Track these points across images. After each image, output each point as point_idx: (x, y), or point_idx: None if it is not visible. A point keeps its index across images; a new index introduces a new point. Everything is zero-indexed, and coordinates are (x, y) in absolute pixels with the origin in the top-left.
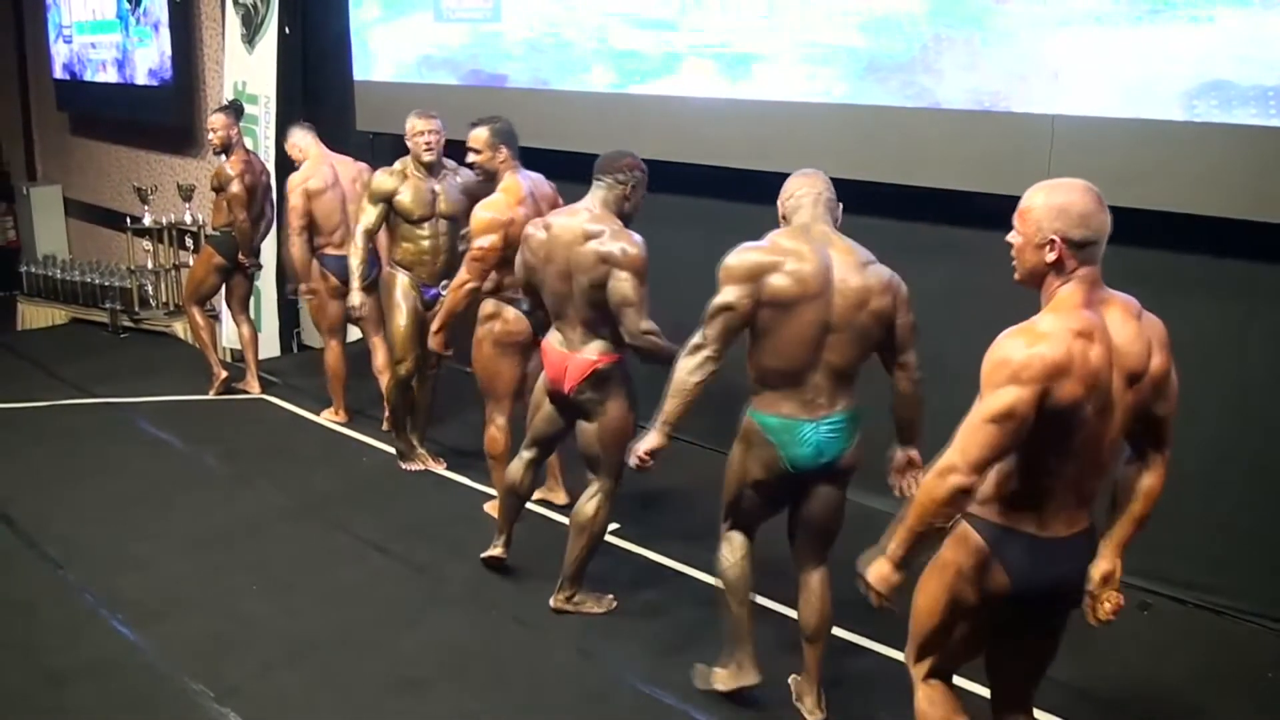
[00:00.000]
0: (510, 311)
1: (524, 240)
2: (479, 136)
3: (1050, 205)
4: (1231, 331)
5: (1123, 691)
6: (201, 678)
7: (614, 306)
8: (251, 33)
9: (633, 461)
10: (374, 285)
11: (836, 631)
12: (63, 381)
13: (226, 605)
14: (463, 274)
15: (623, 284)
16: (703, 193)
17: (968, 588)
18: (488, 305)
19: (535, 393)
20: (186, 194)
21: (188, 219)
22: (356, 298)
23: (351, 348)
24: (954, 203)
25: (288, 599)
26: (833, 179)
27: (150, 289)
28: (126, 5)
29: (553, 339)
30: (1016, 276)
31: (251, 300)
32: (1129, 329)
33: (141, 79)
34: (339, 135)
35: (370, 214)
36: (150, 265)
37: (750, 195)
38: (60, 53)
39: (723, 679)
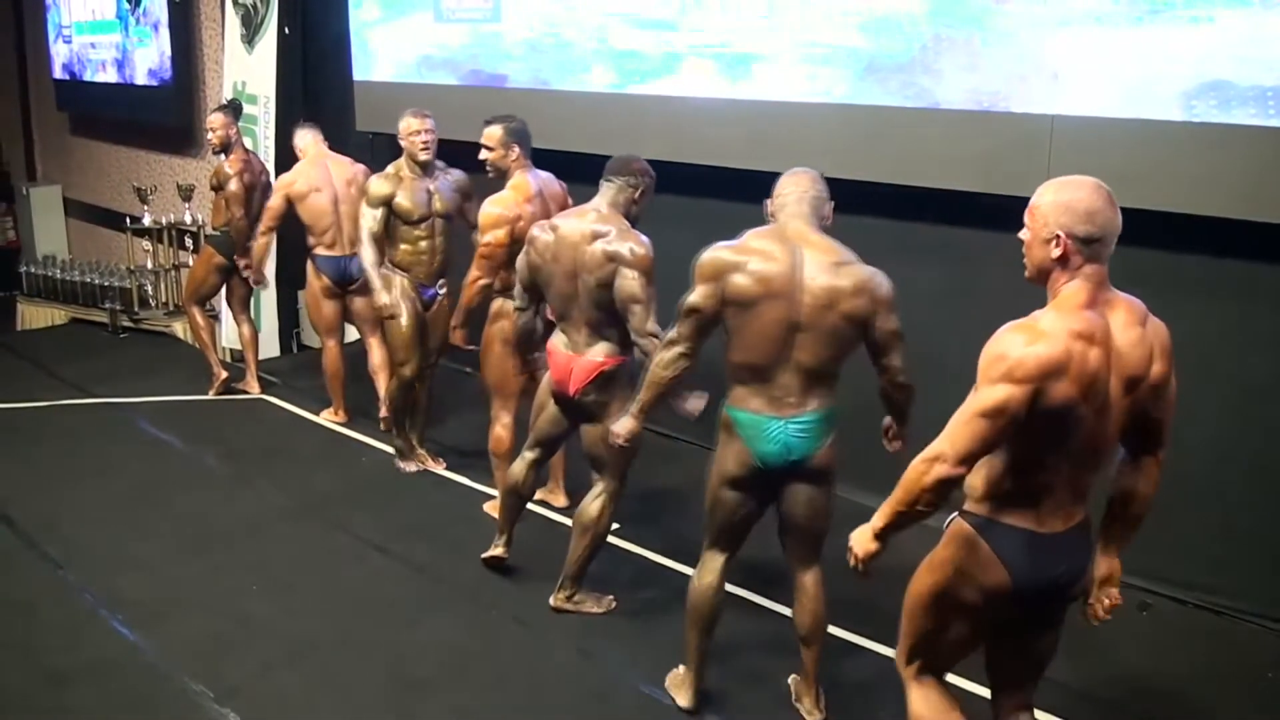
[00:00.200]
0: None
1: (529, 241)
2: (493, 134)
3: (1058, 202)
4: (1231, 331)
5: (1123, 691)
6: (201, 678)
7: (621, 304)
8: (251, 33)
9: (612, 442)
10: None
11: (836, 632)
12: (63, 381)
13: (226, 605)
14: (473, 270)
15: (630, 282)
16: (703, 193)
17: (967, 587)
18: (497, 304)
19: (539, 393)
20: (186, 194)
21: (187, 219)
22: (385, 296)
23: (351, 348)
24: (954, 203)
25: (288, 599)
26: (833, 179)
27: (150, 289)
28: (126, 5)
29: (557, 341)
30: (1026, 274)
31: (251, 300)
32: (1132, 334)
33: (141, 79)
34: (339, 135)
35: (372, 218)
36: (150, 265)
37: (750, 195)
38: (60, 53)
39: (673, 683)
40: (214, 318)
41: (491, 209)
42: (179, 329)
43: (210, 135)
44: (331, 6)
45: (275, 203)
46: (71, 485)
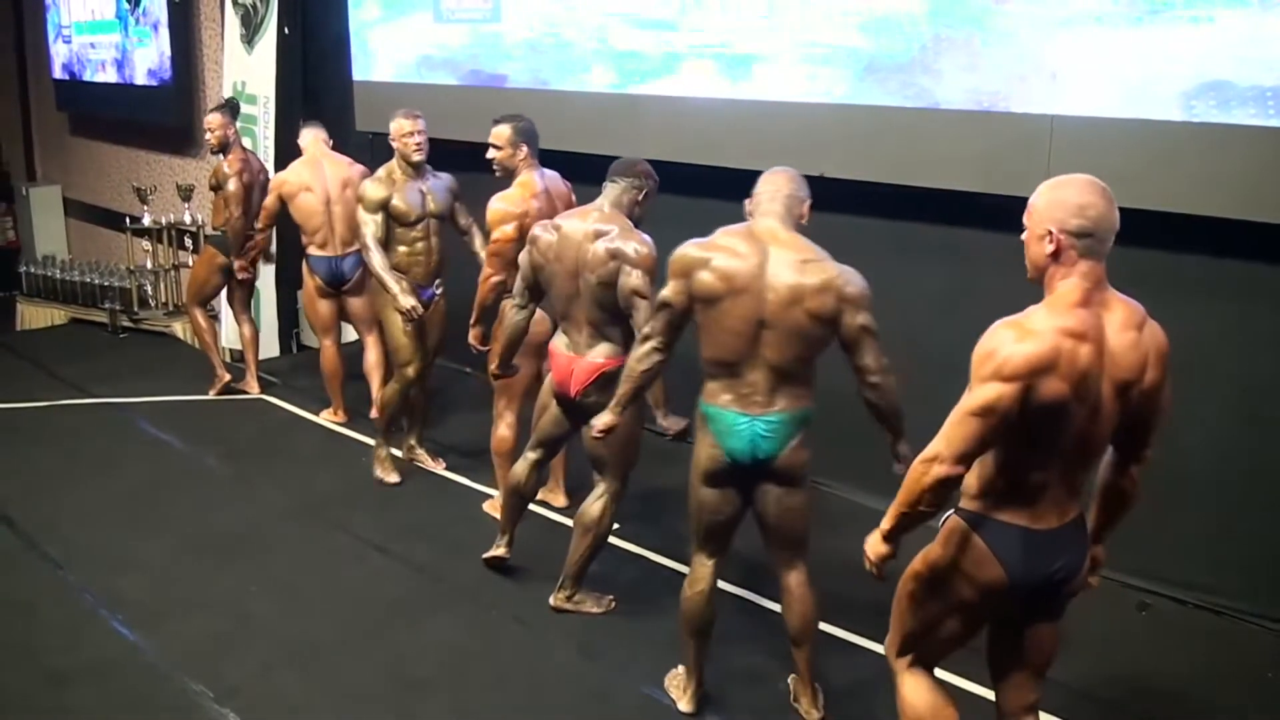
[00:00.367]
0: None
1: (531, 240)
2: (501, 134)
3: (1051, 199)
4: (1231, 331)
5: (1123, 691)
6: (201, 678)
7: (624, 301)
8: (251, 33)
9: (591, 435)
10: (364, 285)
11: (835, 631)
12: (63, 381)
13: (226, 605)
14: (486, 268)
15: (634, 279)
16: (703, 193)
17: (962, 583)
18: (507, 302)
19: (542, 394)
20: (186, 194)
21: (187, 219)
22: (408, 299)
23: (349, 348)
24: (954, 203)
25: (288, 599)
26: (833, 179)
27: (150, 289)
28: (126, 5)
29: (559, 342)
30: (1028, 274)
31: (252, 300)
32: (1127, 337)
33: (141, 79)
34: (339, 135)
35: (373, 224)
36: (150, 265)
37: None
38: (60, 53)
39: (672, 683)
40: (213, 318)
41: (498, 205)
42: (179, 329)
43: (208, 136)
44: (331, 6)
45: (269, 201)
46: (71, 485)
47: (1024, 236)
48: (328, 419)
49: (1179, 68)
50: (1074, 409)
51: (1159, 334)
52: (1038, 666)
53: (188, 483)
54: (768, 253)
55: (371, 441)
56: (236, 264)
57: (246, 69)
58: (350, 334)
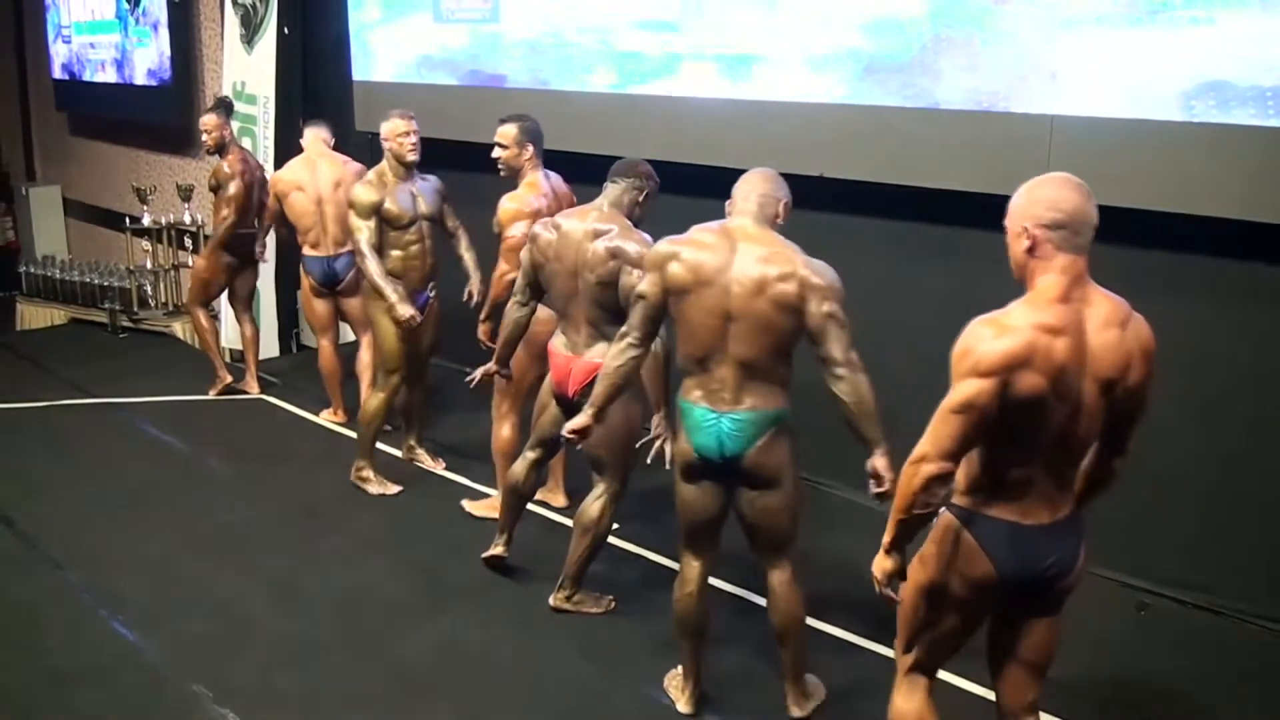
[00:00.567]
0: (543, 311)
1: (531, 239)
2: (507, 133)
3: (1026, 197)
4: (1231, 332)
5: (1123, 691)
6: (201, 678)
7: (625, 299)
8: (251, 33)
9: (564, 437)
10: (358, 286)
11: (835, 631)
12: (63, 381)
13: (227, 606)
14: (501, 265)
15: (634, 278)
16: (703, 193)
17: (954, 578)
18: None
19: (542, 394)
20: (186, 194)
21: (187, 219)
22: (406, 310)
23: (348, 348)
24: (953, 203)
25: (288, 600)
26: (833, 179)
27: (149, 289)
28: (125, 5)
29: (558, 342)
30: (1014, 274)
31: (253, 300)
32: (1109, 335)
33: (140, 79)
34: (338, 135)
35: (368, 229)
36: (149, 265)
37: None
38: (59, 53)
39: (671, 683)
40: (214, 317)
41: (510, 204)
42: (179, 329)
43: (205, 138)
44: (331, 6)
45: (269, 201)
46: (71, 485)
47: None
48: (328, 419)
49: (1179, 68)
50: (1053, 404)
51: (1144, 331)
52: (1036, 664)
53: (188, 483)
54: (737, 248)
55: None
56: (257, 249)
57: (246, 69)
58: (350, 334)
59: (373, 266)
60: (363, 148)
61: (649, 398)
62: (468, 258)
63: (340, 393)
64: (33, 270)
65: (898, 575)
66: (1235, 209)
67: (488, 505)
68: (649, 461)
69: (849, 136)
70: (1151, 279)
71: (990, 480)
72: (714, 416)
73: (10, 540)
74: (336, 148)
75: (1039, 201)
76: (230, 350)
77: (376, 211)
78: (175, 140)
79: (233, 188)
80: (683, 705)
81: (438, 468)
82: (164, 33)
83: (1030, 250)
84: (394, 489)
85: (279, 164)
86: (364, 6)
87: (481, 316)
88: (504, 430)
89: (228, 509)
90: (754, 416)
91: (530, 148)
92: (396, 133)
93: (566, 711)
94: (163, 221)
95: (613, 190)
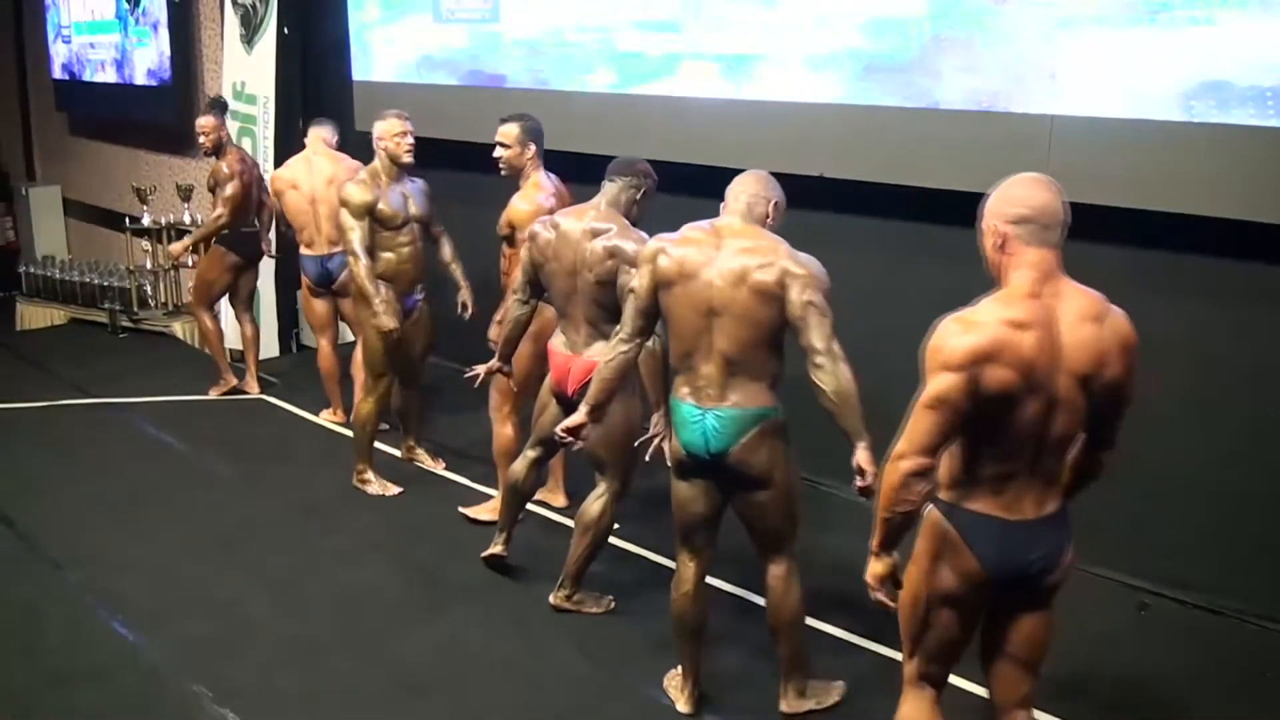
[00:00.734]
0: (547, 310)
1: (531, 238)
2: (509, 132)
3: (995, 197)
4: (1231, 331)
5: (1123, 691)
6: (201, 678)
7: (623, 297)
8: (250, 33)
9: (557, 438)
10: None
11: (835, 631)
12: (63, 381)
13: (227, 606)
14: (511, 265)
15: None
16: (703, 193)
17: (943, 574)
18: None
19: (542, 393)
20: (185, 194)
21: (187, 219)
22: (389, 322)
23: (348, 348)
24: (953, 203)
25: (288, 600)
26: (833, 179)
27: (149, 289)
28: (125, 5)
29: (557, 341)
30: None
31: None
32: (1084, 330)
33: (140, 79)
34: (338, 135)
35: (359, 229)
36: (149, 265)
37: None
38: (59, 53)
39: (671, 683)
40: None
41: (522, 205)
42: (178, 329)
43: (202, 139)
44: (331, 6)
45: (270, 199)
46: (72, 485)
47: None
48: (327, 419)
49: (1179, 68)
50: (1025, 398)
51: (1122, 325)
52: (1027, 660)
53: (188, 483)
54: (722, 244)
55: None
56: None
57: (246, 69)
58: (350, 333)
59: (363, 268)
60: (363, 148)
61: (649, 396)
62: (456, 269)
63: (339, 392)
64: (33, 270)
65: (890, 579)
66: (1235, 209)
67: (487, 509)
68: (647, 459)
69: (848, 136)
70: (1151, 279)
71: (971, 475)
72: (699, 413)
73: (10, 540)
74: (338, 148)
75: (1006, 199)
76: (230, 350)
77: (370, 212)
78: (175, 140)
79: (230, 188)
80: (682, 705)
81: (438, 468)
82: (164, 33)
83: (1001, 247)
84: (394, 490)
85: (278, 164)
86: (364, 6)
87: (496, 318)
88: (506, 431)
89: (228, 509)
90: (737, 414)
91: (532, 147)
92: (393, 133)
93: (566, 711)
94: (162, 221)
95: (610, 189)
